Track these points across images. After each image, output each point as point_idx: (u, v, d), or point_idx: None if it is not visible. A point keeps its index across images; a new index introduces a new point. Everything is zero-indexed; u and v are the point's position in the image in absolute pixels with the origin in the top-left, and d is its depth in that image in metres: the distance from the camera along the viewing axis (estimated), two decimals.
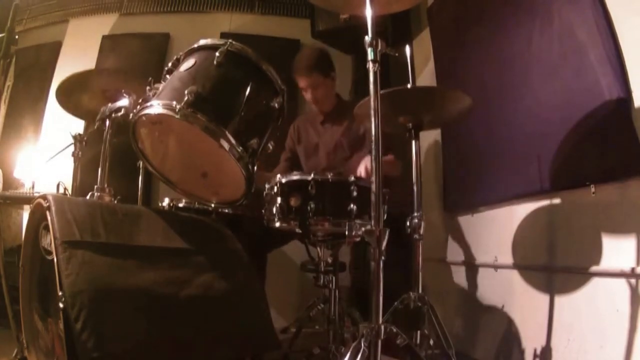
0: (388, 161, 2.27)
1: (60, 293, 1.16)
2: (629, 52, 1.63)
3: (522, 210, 2.18)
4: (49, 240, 1.33)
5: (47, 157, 2.62)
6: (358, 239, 1.57)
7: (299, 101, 3.60)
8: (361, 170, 2.01)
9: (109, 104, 1.96)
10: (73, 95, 2.21)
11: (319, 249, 1.85)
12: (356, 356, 1.21)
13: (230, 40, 1.57)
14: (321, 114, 2.63)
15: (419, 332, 1.73)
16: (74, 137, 2.22)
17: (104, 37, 3.82)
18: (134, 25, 3.90)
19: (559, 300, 1.90)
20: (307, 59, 2.51)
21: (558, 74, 1.92)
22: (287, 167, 2.68)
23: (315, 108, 2.61)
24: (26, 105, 3.71)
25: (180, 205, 2.02)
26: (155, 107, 1.47)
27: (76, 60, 3.70)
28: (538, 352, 1.92)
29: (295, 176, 1.64)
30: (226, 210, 2.00)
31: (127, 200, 2.21)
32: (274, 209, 1.64)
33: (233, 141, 1.45)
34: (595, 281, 1.72)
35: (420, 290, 1.78)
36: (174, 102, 1.42)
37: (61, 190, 2.78)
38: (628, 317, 1.55)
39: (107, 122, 1.96)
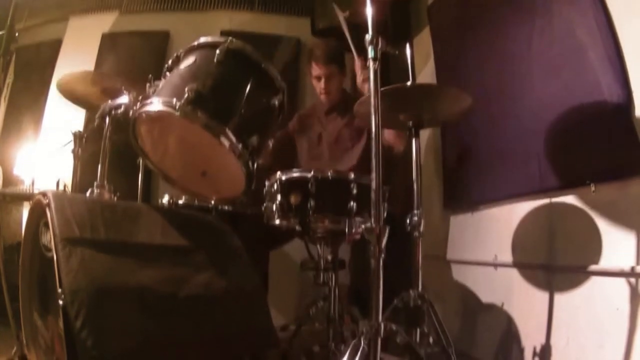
0: (390, 132, 2.30)
1: (59, 291, 1.16)
2: (629, 52, 1.63)
3: (522, 208, 2.18)
4: (48, 238, 1.33)
5: (47, 153, 2.62)
6: (358, 237, 1.57)
7: (300, 100, 3.62)
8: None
9: (109, 101, 1.96)
10: (74, 88, 2.21)
11: (318, 246, 1.85)
12: (356, 354, 1.22)
13: (230, 38, 1.57)
14: (326, 105, 2.64)
15: (418, 330, 1.73)
16: (74, 135, 2.22)
17: (104, 35, 3.81)
18: (134, 24, 3.89)
19: (559, 298, 1.90)
20: (328, 49, 2.55)
21: (558, 74, 1.92)
22: (275, 148, 2.61)
23: (323, 99, 2.60)
24: (26, 102, 3.70)
25: (180, 202, 2.02)
26: (155, 104, 1.47)
27: (76, 58, 3.70)
28: (537, 350, 1.92)
29: (295, 174, 1.64)
30: (226, 208, 1.99)
31: (127, 197, 2.22)
32: (274, 207, 1.64)
33: (233, 139, 1.45)
34: (594, 280, 1.73)
35: (420, 288, 1.78)
36: (174, 100, 1.42)
37: (61, 188, 2.78)
38: (628, 316, 1.55)
39: (107, 119, 1.96)
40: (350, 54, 2.39)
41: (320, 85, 2.55)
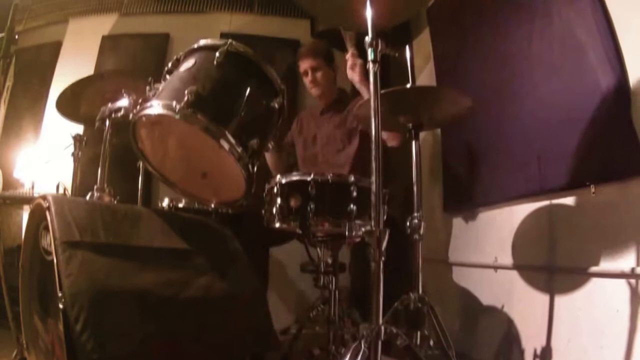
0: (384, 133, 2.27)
1: (60, 294, 1.16)
2: (629, 52, 1.63)
3: (522, 210, 2.18)
4: (48, 241, 1.33)
5: (46, 159, 2.61)
6: (358, 240, 1.57)
7: (300, 103, 3.62)
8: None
9: (109, 104, 1.96)
10: (72, 103, 2.21)
11: (318, 249, 1.84)
12: (356, 357, 1.21)
13: (230, 40, 1.57)
14: (322, 104, 2.64)
15: (419, 332, 1.73)
16: (74, 138, 2.22)
17: (104, 37, 3.82)
18: (134, 26, 3.90)
19: (559, 300, 1.90)
20: (313, 45, 2.68)
21: (558, 74, 1.92)
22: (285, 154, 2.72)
23: (314, 94, 2.61)
24: (26, 105, 3.70)
25: (180, 205, 2.02)
26: (155, 107, 1.47)
27: (76, 61, 3.70)
28: (538, 352, 1.92)
29: (295, 177, 1.64)
30: (226, 211, 1.99)
31: (127, 200, 2.21)
32: (274, 210, 1.63)
33: (233, 141, 1.44)
34: (595, 281, 1.72)
35: (420, 291, 1.77)
36: (174, 102, 1.42)
37: (61, 191, 2.78)
38: (628, 318, 1.55)
39: (107, 122, 1.96)
40: (343, 53, 2.35)
41: (308, 80, 2.57)
